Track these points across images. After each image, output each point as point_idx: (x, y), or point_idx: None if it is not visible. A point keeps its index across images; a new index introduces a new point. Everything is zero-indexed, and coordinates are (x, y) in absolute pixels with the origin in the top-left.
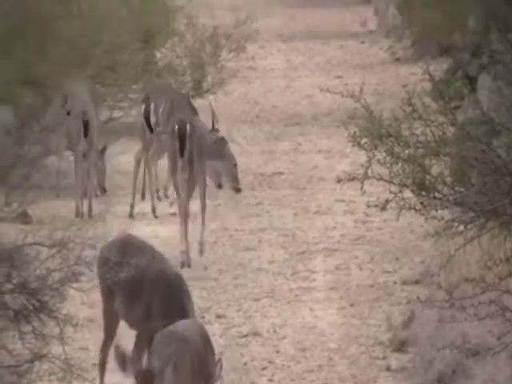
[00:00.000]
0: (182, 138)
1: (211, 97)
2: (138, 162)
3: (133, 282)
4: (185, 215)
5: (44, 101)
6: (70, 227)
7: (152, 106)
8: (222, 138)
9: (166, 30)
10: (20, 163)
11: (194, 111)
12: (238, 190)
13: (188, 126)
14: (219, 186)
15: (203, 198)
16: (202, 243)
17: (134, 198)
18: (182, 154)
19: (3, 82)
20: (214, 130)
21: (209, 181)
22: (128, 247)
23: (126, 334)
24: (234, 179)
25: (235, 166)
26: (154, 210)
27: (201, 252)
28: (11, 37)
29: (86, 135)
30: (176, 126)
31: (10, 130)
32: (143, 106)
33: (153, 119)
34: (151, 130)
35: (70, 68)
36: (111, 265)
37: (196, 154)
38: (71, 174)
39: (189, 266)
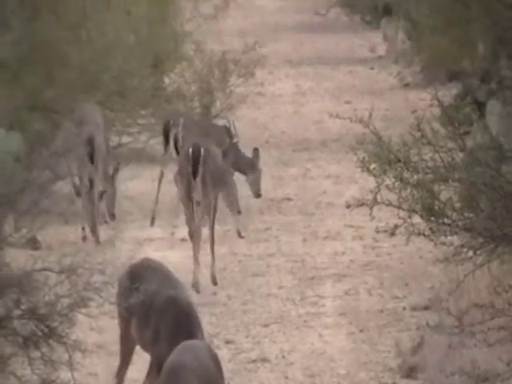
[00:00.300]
0: (195, 160)
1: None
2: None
3: (143, 306)
4: (198, 237)
5: (53, 126)
6: (79, 253)
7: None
8: (256, 149)
9: (174, 56)
10: (29, 189)
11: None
12: (259, 196)
13: (202, 150)
14: (238, 212)
15: (212, 224)
16: (213, 273)
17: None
18: (194, 177)
19: (12, 108)
20: (232, 141)
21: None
22: (142, 272)
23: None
24: (259, 187)
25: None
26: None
27: (214, 282)
28: (20, 63)
29: (91, 161)
30: (190, 149)
31: (19, 156)
32: (172, 135)
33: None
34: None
35: (79, 93)
36: (126, 289)
37: (209, 178)
38: (80, 200)
39: (197, 292)
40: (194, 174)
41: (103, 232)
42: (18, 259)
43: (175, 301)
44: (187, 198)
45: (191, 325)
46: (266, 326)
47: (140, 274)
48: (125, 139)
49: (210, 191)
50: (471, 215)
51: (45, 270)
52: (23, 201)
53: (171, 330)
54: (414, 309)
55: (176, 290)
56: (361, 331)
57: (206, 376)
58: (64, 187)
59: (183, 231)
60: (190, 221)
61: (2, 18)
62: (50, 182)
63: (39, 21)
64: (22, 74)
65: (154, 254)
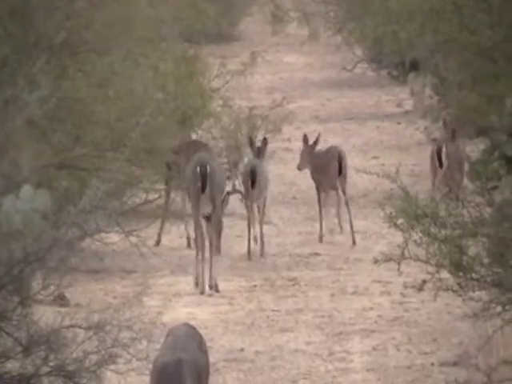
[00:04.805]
0: (203, 177)
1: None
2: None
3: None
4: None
5: (80, 184)
6: (107, 310)
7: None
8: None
9: (202, 112)
10: (57, 246)
11: None
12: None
13: (208, 166)
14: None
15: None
16: (215, 279)
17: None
18: (203, 191)
19: (39, 165)
20: None
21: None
22: (168, 336)
23: None
24: None
25: None
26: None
27: (216, 290)
28: (47, 121)
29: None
30: (198, 167)
31: (47, 214)
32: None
33: None
34: None
35: (107, 151)
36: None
37: (216, 192)
38: (108, 257)
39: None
40: (203, 188)
41: (132, 288)
42: (46, 316)
43: (162, 366)
44: (197, 211)
45: None
46: (294, 382)
47: (166, 338)
48: (151, 196)
49: (218, 203)
50: (500, 270)
51: (73, 326)
52: (51, 258)
53: None
54: (442, 365)
55: (175, 354)
56: None
57: None
58: (92, 244)
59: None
60: (197, 229)
61: (30, 76)
62: (77, 240)
63: (67, 79)
64: (50, 132)
65: (181, 310)
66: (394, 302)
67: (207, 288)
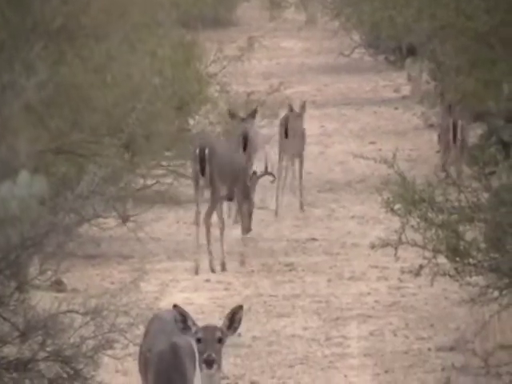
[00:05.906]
0: (202, 159)
1: None
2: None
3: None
4: (207, 224)
5: (78, 169)
6: (104, 295)
7: None
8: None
9: (199, 98)
10: (54, 232)
11: None
12: None
13: (207, 150)
14: (247, 231)
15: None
16: (222, 258)
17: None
18: (202, 174)
19: (37, 151)
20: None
21: None
22: (152, 320)
23: None
24: None
25: None
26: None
27: (223, 268)
28: (45, 106)
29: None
30: (197, 150)
31: (44, 199)
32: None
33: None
34: None
35: (104, 136)
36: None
37: (216, 175)
38: (105, 242)
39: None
40: (202, 171)
41: (128, 273)
42: (44, 301)
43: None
44: (196, 192)
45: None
46: (291, 367)
47: (152, 323)
48: (149, 181)
49: (217, 186)
50: (496, 256)
51: (70, 312)
52: (48, 243)
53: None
54: (439, 350)
55: (164, 341)
56: (386, 372)
57: None
58: (89, 230)
59: (208, 273)
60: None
61: (27, 61)
62: (74, 225)
63: (64, 64)
64: (47, 117)
65: (178, 295)
66: (391, 288)
67: (217, 268)
